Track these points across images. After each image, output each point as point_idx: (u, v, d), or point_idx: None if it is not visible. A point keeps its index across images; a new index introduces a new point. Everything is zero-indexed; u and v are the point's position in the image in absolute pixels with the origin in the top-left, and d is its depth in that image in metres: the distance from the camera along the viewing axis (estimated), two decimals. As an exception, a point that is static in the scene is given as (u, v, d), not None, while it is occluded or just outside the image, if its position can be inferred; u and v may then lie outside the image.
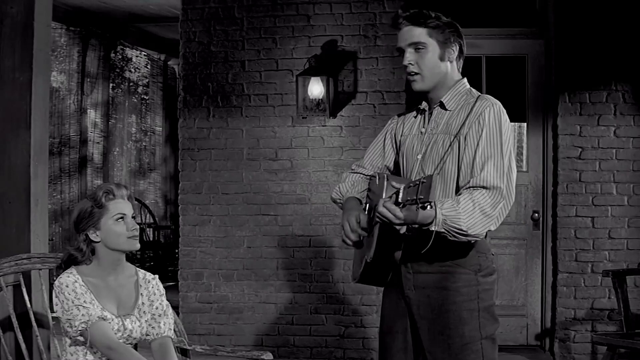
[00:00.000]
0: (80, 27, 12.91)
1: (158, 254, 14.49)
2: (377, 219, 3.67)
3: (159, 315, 4.37)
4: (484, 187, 3.80)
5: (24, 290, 4.78)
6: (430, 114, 4.15)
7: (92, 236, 4.23)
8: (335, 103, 8.07)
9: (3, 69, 5.67)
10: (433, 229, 3.65)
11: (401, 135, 4.30)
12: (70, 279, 4.17)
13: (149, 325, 4.33)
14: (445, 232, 3.68)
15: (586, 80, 7.87)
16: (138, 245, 4.32)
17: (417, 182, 3.38)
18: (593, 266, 7.88)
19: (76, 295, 4.12)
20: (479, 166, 3.85)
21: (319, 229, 8.17)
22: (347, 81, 8.12)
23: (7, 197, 5.58)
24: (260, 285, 8.27)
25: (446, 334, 3.96)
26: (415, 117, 4.27)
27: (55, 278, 4.27)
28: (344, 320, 8.14)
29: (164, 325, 4.36)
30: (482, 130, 3.91)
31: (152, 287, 4.42)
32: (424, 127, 4.16)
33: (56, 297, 4.16)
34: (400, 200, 3.50)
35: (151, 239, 14.74)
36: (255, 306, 8.28)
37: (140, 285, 4.39)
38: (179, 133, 8.47)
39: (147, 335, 4.33)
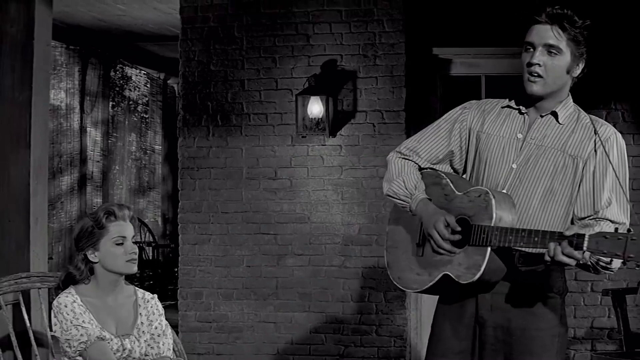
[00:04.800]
0: (80, 46, 12.95)
1: (157, 272, 14.48)
2: (548, 261, 3.44)
3: (158, 335, 4.35)
4: (613, 223, 3.66)
5: (24, 309, 4.77)
6: (533, 120, 3.86)
7: (91, 256, 4.22)
8: (334, 122, 8.07)
9: (3, 88, 5.69)
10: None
11: (481, 132, 3.93)
12: (68, 299, 4.16)
13: (148, 345, 4.31)
14: (593, 264, 3.51)
15: (585, 99, 7.78)
16: (135, 269, 4.30)
17: (621, 237, 3.20)
18: (593, 285, 7.86)
19: (75, 315, 4.11)
20: (605, 199, 3.70)
21: (319, 248, 8.16)
22: (347, 100, 8.13)
23: (7, 216, 5.58)
24: (259, 305, 8.25)
25: None
26: (504, 115, 3.95)
27: (54, 297, 4.26)
28: (344, 339, 8.11)
29: (163, 345, 4.35)
30: (609, 161, 3.73)
31: (151, 307, 4.41)
32: (520, 132, 3.85)
33: (55, 317, 4.15)
34: (586, 248, 3.29)
35: (150, 257, 14.74)
36: (255, 325, 8.26)
37: (139, 305, 4.38)
38: (178, 152, 8.47)
39: (146, 355, 4.31)
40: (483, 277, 3.59)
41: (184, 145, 8.42)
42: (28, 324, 4.78)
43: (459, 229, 3.67)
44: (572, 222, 3.77)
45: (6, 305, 4.81)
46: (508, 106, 3.95)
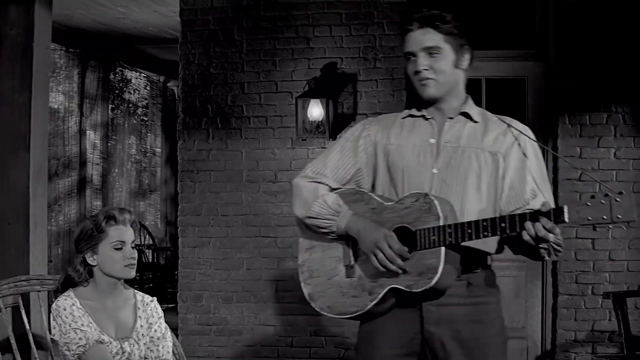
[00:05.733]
0: (79, 49, 12.95)
1: (157, 275, 14.47)
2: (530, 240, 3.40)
3: (158, 339, 4.35)
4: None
5: (23, 312, 4.77)
6: (442, 124, 3.82)
7: (89, 260, 4.22)
8: (334, 125, 8.05)
9: (2, 91, 5.69)
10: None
11: (389, 144, 3.85)
12: (67, 302, 4.16)
13: (148, 348, 4.31)
14: (553, 245, 3.58)
15: (586, 102, 7.87)
16: (133, 274, 4.30)
17: (604, 200, 3.24)
18: (593, 288, 7.86)
19: (73, 319, 4.11)
20: (529, 191, 3.72)
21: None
22: (347, 103, 8.12)
23: (6, 219, 5.58)
24: (259, 307, 8.24)
25: None
26: (409, 125, 3.87)
27: (53, 300, 4.26)
28: (344, 342, 8.10)
29: (163, 348, 4.34)
30: (526, 152, 3.78)
31: (151, 310, 4.40)
32: (432, 138, 3.79)
33: (54, 319, 4.15)
34: (567, 219, 3.31)
35: (150, 260, 14.73)
36: (255, 328, 8.25)
37: (139, 308, 4.38)
38: (178, 155, 8.47)
39: (145, 358, 4.30)
40: (440, 279, 3.50)
41: (184, 148, 8.41)
42: (27, 327, 4.78)
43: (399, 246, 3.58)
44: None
45: (6, 308, 4.81)
46: (410, 115, 3.90)
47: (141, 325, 4.33)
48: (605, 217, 3.27)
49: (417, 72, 3.76)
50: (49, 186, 11.18)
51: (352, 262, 3.75)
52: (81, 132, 13.20)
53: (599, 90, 7.84)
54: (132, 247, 4.28)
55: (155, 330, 4.36)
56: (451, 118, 3.82)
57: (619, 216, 3.25)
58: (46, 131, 5.86)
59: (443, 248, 3.50)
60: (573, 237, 7.85)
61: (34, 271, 5.49)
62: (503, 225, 3.44)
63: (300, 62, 8.22)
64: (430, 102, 3.82)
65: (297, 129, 8.04)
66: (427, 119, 3.85)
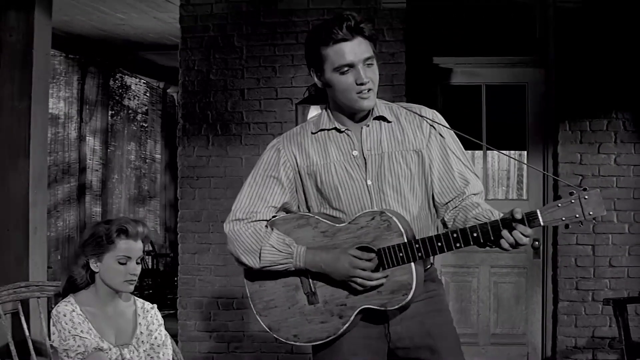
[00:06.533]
0: (79, 55, 12.95)
1: (157, 281, 14.47)
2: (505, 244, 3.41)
3: (158, 346, 4.34)
4: (476, 195, 3.74)
5: (23, 318, 4.76)
6: (358, 133, 3.74)
7: (92, 265, 4.22)
8: (334, 131, 8.04)
9: (2, 97, 5.69)
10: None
11: (312, 165, 3.77)
12: (67, 308, 4.15)
13: (148, 355, 4.30)
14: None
15: (586, 108, 7.87)
16: (131, 289, 4.29)
17: (574, 199, 3.30)
18: (594, 294, 7.85)
19: (73, 325, 4.10)
20: (459, 178, 3.74)
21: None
22: (347, 109, 8.11)
23: (6, 225, 5.58)
24: (259, 314, 8.22)
25: (455, 349, 3.79)
26: (323, 141, 3.79)
27: (53, 306, 4.25)
28: (344, 349, 8.08)
29: (163, 355, 4.33)
30: (443, 139, 3.76)
31: (151, 317, 4.40)
32: (354, 149, 3.72)
33: (53, 325, 4.14)
34: (543, 223, 3.38)
35: (150, 267, 14.72)
36: (255, 334, 8.24)
37: (139, 315, 4.37)
38: (178, 161, 8.46)
39: (145, 365, 4.30)
40: (415, 294, 3.51)
41: (183, 155, 8.41)
42: (27, 333, 4.77)
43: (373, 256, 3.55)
44: (435, 210, 3.80)
45: (5, 314, 4.81)
46: (321, 130, 3.80)
47: (141, 332, 4.32)
48: (577, 216, 3.32)
49: (362, 84, 3.61)
50: (49, 192, 11.20)
51: (313, 289, 3.69)
52: (81, 138, 13.20)
53: (600, 97, 7.84)
54: (137, 262, 4.27)
55: (156, 338, 4.35)
56: (367, 125, 3.76)
57: (590, 213, 3.30)
58: (46, 137, 5.86)
59: (413, 264, 3.50)
60: (573, 243, 7.85)
61: (34, 277, 5.49)
62: (475, 235, 3.44)
63: (300, 69, 8.22)
64: (348, 114, 3.74)
65: (297, 135, 8.03)
66: (341, 132, 3.77)
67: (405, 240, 3.50)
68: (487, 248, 3.59)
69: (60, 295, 4.34)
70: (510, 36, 8.36)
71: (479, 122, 8.18)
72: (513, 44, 8.33)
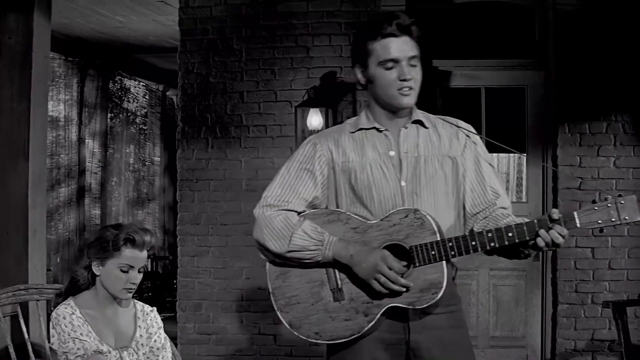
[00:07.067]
0: (78, 57, 12.95)
1: (156, 284, 14.45)
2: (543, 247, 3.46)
3: (157, 349, 4.34)
4: (505, 209, 3.76)
5: (22, 321, 4.76)
6: (397, 134, 3.76)
7: (94, 268, 4.22)
8: (334, 134, 8.04)
9: (1, 99, 5.70)
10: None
11: (347, 162, 3.76)
12: (67, 310, 4.15)
13: (147, 358, 4.30)
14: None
15: (586, 111, 7.87)
16: (129, 297, 4.30)
17: (610, 203, 3.36)
18: (593, 297, 7.85)
19: (73, 328, 4.10)
20: (490, 191, 3.77)
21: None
22: (346, 112, 8.11)
23: (5, 228, 5.59)
24: (258, 317, 8.22)
25: None
26: (360, 139, 3.80)
27: (53, 308, 4.25)
28: (343, 351, 8.08)
29: (163, 358, 4.34)
30: (478, 152, 3.81)
31: (151, 320, 4.40)
32: (391, 150, 3.73)
33: (53, 328, 4.14)
34: (579, 224, 3.43)
35: (149, 269, 14.71)
36: (254, 337, 8.24)
37: (139, 318, 4.37)
38: (177, 164, 8.46)
39: (145, 367, 4.30)
40: (444, 293, 3.50)
41: (183, 157, 8.41)
42: (26, 336, 4.77)
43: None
44: (464, 220, 3.80)
45: (4, 317, 4.80)
46: (360, 129, 3.81)
47: (141, 335, 4.32)
48: (613, 219, 3.37)
49: (404, 80, 3.65)
50: (49, 195, 11.21)
51: (340, 285, 3.65)
52: (80, 141, 13.20)
53: (599, 99, 7.84)
54: (139, 271, 4.27)
55: (155, 341, 4.35)
56: (405, 127, 3.77)
57: (626, 217, 3.36)
58: (45, 139, 5.87)
59: (444, 262, 3.50)
60: (573, 246, 7.84)
61: (33, 280, 5.49)
62: (510, 234, 3.47)
63: (299, 71, 8.22)
64: (387, 113, 3.77)
65: (296, 138, 8.03)
66: (380, 131, 3.78)
67: (439, 239, 3.50)
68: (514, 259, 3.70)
69: (61, 296, 4.34)
70: (509, 39, 8.36)
71: (479, 124, 8.17)
72: (512, 46, 8.33)
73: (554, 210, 3.47)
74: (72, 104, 13.04)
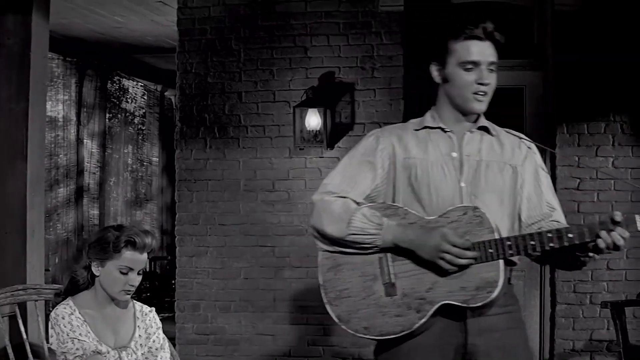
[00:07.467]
0: (77, 58, 12.95)
1: (154, 284, 14.45)
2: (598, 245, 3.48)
3: (156, 349, 4.34)
4: (557, 222, 3.75)
5: (20, 321, 4.76)
6: (461, 137, 3.78)
7: (94, 268, 4.22)
8: (332, 134, 8.04)
9: (0, 100, 5.68)
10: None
11: (409, 157, 3.75)
12: (66, 310, 4.15)
13: (146, 358, 4.30)
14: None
15: (584, 111, 7.87)
16: (127, 299, 4.31)
17: None
18: (592, 297, 7.85)
19: (71, 328, 4.10)
20: (546, 204, 3.78)
21: (316, 260, 8.11)
22: (345, 112, 8.11)
23: (3, 228, 5.59)
24: (257, 317, 8.22)
25: None
26: (424, 137, 3.80)
27: (51, 309, 4.25)
28: (342, 352, 8.09)
29: (161, 358, 4.34)
30: (538, 165, 3.86)
31: (149, 320, 4.40)
32: (454, 151, 3.73)
33: (52, 328, 4.14)
34: (639, 228, 3.45)
35: (147, 269, 14.69)
36: (252, 338, 8.24)
37: (138, 318, 4.37)
38: (175, 164, 8.45)
39: (143, 368, 4.30)
40: (499, 292, 3.49)
41: (181, 157, 8.40)
42: (25, 336, 4.77)
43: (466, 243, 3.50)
44: (519, 229, 3.77)
45: (2, 317, 4.80)
46: (426, 127, 3.83)
47: (139, 335, 4.32)
48: None
49: (481, 84, 3.72)
50: (47, 195, 11.21)
51: (393, 280, 3.61)
52: (78, 141, 13.20)
53: (597, 100, 7.83)
54: (139, 273, 4.26)
55: (154, 341, 4.35)
56: (472, 132, 3.80)
57: None
58: (43, 140, 5.87)
59: (501, 261, 3.49)
60: (571, 246, 7.83)
61: (31, 280, 5.49)
62: (571, 235, 3.47)
63: (297, 72, 8.21)
64: (455, 114, 3.80)
65: (294, 138, 8.03)
66: (445, 132, 3.80)
67: (497, 237, 3.50)
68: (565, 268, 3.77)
69: (60, 295, 4.34)
70: (508, 39, 8.34)
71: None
72: (511, 46, 8.28)
73: (617, 212, 3.47)
74: (71, 104, 13.04)
